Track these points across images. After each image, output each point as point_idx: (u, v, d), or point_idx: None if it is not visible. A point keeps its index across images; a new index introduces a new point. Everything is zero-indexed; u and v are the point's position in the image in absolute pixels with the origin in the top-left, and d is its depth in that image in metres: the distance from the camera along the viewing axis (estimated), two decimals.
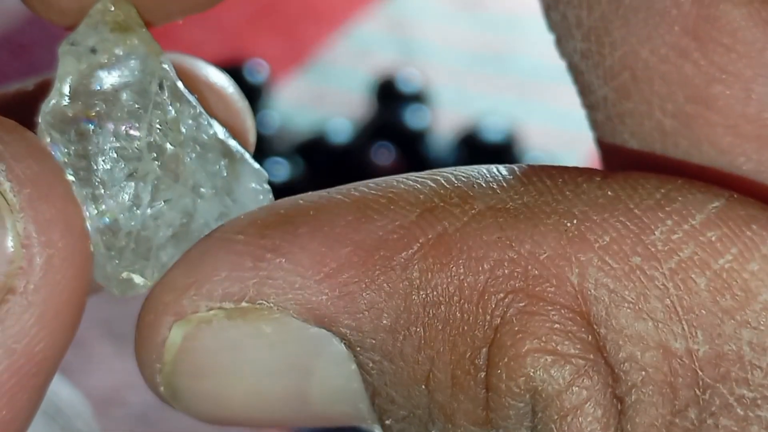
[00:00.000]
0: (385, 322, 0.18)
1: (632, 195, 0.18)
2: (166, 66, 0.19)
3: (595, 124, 0.19)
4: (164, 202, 0.19)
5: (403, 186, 0.18)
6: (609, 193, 0.18)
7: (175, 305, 0.18)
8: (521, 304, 0.17)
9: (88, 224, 0.18)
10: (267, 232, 0.18)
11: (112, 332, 0.66)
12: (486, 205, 0.18)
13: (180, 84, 0.19)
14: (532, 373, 0.17)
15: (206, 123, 0.19)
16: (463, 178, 0.18)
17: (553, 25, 0.19)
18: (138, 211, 0.18)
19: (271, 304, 0.18)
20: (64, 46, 0.19)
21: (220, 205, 0.19)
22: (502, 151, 0.72)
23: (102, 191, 0.18)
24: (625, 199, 0.18)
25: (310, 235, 0.18)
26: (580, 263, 0.17)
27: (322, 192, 0.19)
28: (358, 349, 0.18)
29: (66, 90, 0.18)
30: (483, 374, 0.18)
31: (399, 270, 0.18)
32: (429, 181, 0.18)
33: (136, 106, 0.18)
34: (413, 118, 0.72)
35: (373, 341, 0.18)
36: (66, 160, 0.18)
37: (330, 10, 0.84)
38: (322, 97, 0.77)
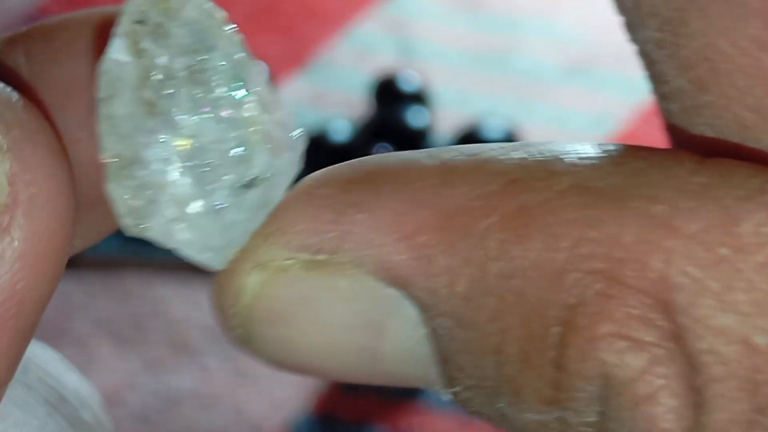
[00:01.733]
0: (459, 288, 0.18)
1: (723, 184, 0.17)
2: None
3: (667, 114, 0.19)
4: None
5: (489, 155, 0.18)
6: (699, 180, 0.17)
7: (255, 252, 0.19)
8: (599, 286, 0.17)
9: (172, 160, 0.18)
10: (350, 187, 0.18)
11: (112, 332, 0.66)
12: (571, 182, 0.18)
13: (234, 46, 0.19)
14: (605, 358, 0.17)
15: (262, 80, 0.19)
16: (550, 153, 0.18)
17: (623, 10, 0.18)
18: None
19: (348, 259, 0.18)
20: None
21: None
22: None
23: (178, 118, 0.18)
24: (715, 187, 0.17)
25: (392, 194, 0.18)
26: (665, 250, 0.17)
27: (409, 153, 0.18)
28: (431, 313, 0.18)
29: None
30: (554, 353, 0.17)
31: (478, 238, 0.18)
32: (516, 153, 0.18)
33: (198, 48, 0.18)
34: (413, 118, 0.72)
35: (446, 306, 0.18)
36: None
37: (330, 10, 0.84)
38: (322, 97, 0.77)
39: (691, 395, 0.17)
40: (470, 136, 0.72)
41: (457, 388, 0.18)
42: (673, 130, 0.19)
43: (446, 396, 0.19)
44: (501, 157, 0.18)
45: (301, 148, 0.19)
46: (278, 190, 0.19)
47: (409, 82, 0.75)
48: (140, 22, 0.18)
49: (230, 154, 0.18)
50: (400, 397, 0.62)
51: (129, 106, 0.18)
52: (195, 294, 0.67)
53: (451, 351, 0.18)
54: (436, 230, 0.18)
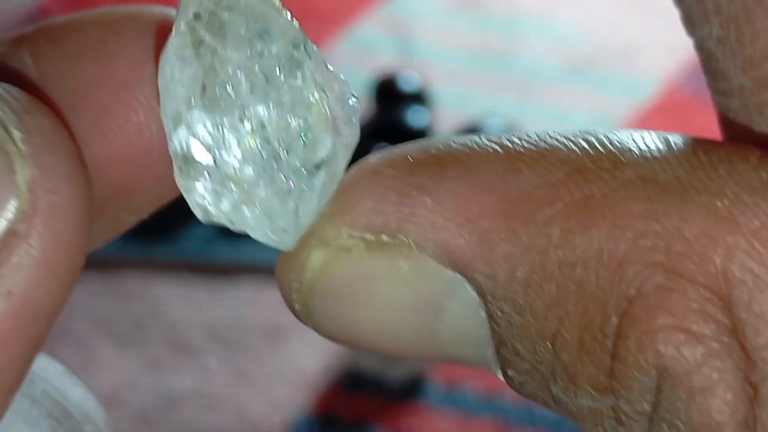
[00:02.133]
0: (519, 274, 0.18)
1: None
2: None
3: (725, 109, 0.19)
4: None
5: (555, 143, 0.18)
6: (764, 176, 0.17)
7: (319, 230, 0.19)
8: (660, 279, 0.17)
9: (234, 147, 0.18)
10: (416, 170, 0.18)
11: (112, 332, 0.66)
12: (636, 173, 0.18)
13: (292, 31, 0.19)
14: (662, 350, 0.17)
15: (323, 61, 0.19)
16: (616, 143, 0.18)
17: (685, 6, 0.19)
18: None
19: (411, 241, 0.18)
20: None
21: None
22: None
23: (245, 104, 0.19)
24: None
25: (457, 178, 0.18)
26: (726, 245, 0.17)
27: (475, 137, 0.19)
28: (490, 297, 0.18)
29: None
30: (611, 342, 0.17)
31: (540, 225, 0.18)
32: (582, 141, 0.18)
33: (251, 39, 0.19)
34: (413, 118, 0.72)
35: (505, 292, 0.18)
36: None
37: (330, 11, 0.84)
38: None
39: (746, 390, 0.17)
40: None
41: (511, 372, 0.19)
42: (730, 125, 0.19)
43: (500, 377, 0.19)
44: (566, 145, 0.18)
45: (357, 117, 0.19)
46: (341, 165, 0.19)
47: (409, 82, 0.75)
48: (196, 15, 0.19)
49: (295, 139, 0.19)
50: (400, 397, 0.62)
51: (192, 100, 0.18)
52: (195, 294, 0.67)
53: (507, 335, 0.18)
54: (499, 216, 0.18)
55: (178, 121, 0.19)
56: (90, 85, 0.20)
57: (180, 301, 0.66)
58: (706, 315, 0.17)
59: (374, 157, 0.19)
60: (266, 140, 0.19)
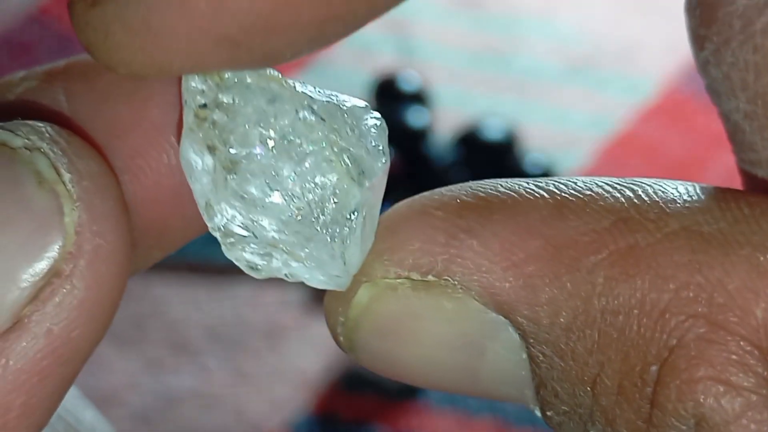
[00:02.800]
0: (562, 319, 0.18)
1: None
2: (266, 73, 0.19)
3: (751, 175, 0.20)
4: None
5: (600, 191, 0.19)
6: None
7: (368, 267, 0.19)
8: (701, 330, 0.18)
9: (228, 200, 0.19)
10: (464, 213, 0.19)
11: (112, 332, 0.66)
12: (681, 224, 0.18)
13: (289, 85, 0.19)
14: (702, 400, 0.17)
15: (335, 111, 0.19)
16: (661, 193, 0.19)
17: (711, 80, 0.19)
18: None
19: (456, 282, 0.19)
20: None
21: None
22: (502, 151, 0.72)
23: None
24: None
25: (503, 222, 0.19)
26: None
27: (521, 181, 0.19)
28: (532, 340, 0.19)
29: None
30: (650, 389, 0.18)
31: (585, 272, 0.18)
32: (627, 190, 0.19)
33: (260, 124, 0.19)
34: (413, 118, 0.72)
35: (548, 336, 0.18)
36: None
37: None
38: None
39: None
40: (470, 136, 0.72)
41: (550, 412, 0.19)
42: (754, 181, 0.20)
43: (539, 416, 0.20)
44: (611, 194, 0.19)
45: (385, 141, 0.20)
46: (376, 200, 0.20)
47: (409, 82, 0.75)
48: (203, 106, 0.19)
49: (325, 200, 0.19)
50: (400, 397, 0.62)
51: (217, 190, 0.19)
52: (195, 294, 0.67)
53: (548, 377, 0.19)
54: (544, 261, 0.18)
55: (210, 210, 0.19)
56: (124, 127, 0.20)
57: (180, 301, 0.66)
58: (746, 367, 0.17)
59: (423, 197, 0.20)
60: (297, 208, 0.19)
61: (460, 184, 0.19)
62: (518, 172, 0.71)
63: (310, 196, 0.19)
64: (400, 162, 0.71)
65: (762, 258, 0.18)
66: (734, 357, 0.17)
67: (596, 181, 0.19)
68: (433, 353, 0.19)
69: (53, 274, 0.18)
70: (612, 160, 0.74)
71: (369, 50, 0.81)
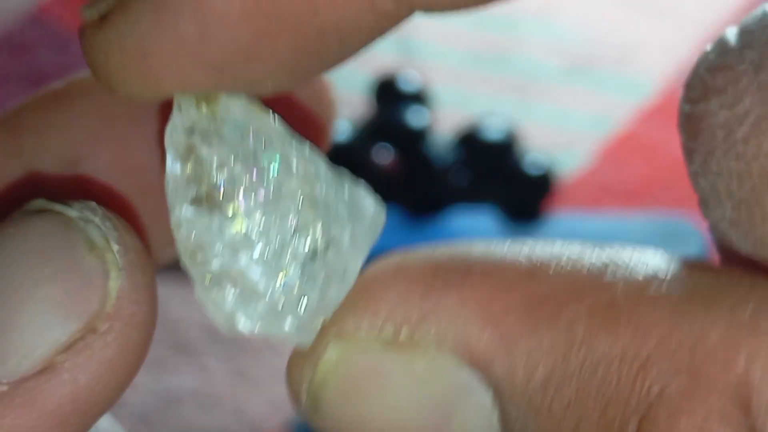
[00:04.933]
0: (539, 374, 0.18)
1: None
2: (262, 118, 0.20)
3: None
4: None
5: (578, 252, 0.19)
6: None
7: (339, 322, 0.19)
8: (683, 382, 0.18)
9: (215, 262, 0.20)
10: (440, 269, 0.19)
11: None
12: (660, 283, 0.18)
13: (278, 128, 0.20)
14: None
15: (312, 157, 0.20)
16: (640, 255, 0.19)
17: (699, 190, 0.20)
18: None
19: (430, 339, 0.19)
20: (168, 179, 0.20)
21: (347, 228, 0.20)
22: (502, 151, 0.72)
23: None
24: None
25: (481, 279, 0.19)
26: (748, 352, 0.17)
27: (500, 243, 0.19)
28: (507, 396, 0.18)
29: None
30: None
31: (563, 326, 0.18)
32: (605, 254, 0.19)
33: (252, 178, 0.20)
34: (413, 118, 0.72)
35: (524, 390, 0.18)
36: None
37: None
38: None
39: None
40: (470, 136, 0.72)
41: None
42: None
43: None
44: (588, 255, 0.19)
45: (379, 222, 0.21)
46: (353, 259, 0.20)
47: (409, 82, 0.75)
48: (189, 129, 0.20)
49: (288, 232, 0.19)
50: None
51: (191, 211, 0.20)
52: (195, 294, 0.67)
53: None
54: (522, 314, 0.18)
55: (182, 234, 0.20)
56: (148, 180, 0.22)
57: (180, 301, 0.66)
58: (727, 418, 0.17)
59: (398, 255, 0.20)
60: (263, 237, 0.19)
61: (435, 246, 0.20)
62: (518, 172, 0.71)
63: (280, 227, 0.19)
64: (400, 162, 0.71)
65: (742, 312, 0.18)
66: (716, 408, 0.17)
67: (572, 245, 0.19)
68: (400, 415, 0.19)
69: (89, 329, 0.19)
70: (612, 160, 0.74)
71: (369, 50, 0.81)
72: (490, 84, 0.79)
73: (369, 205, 0.20)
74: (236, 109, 0.20)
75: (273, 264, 0.19)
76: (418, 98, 0.74)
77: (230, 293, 0.20)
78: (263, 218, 0.19)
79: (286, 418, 0.62)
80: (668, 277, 0.18)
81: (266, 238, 0.19)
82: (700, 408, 0.17)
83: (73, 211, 0.20)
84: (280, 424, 0.62)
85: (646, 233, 0.70)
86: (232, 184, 0.19)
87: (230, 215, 0.19)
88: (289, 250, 0.19)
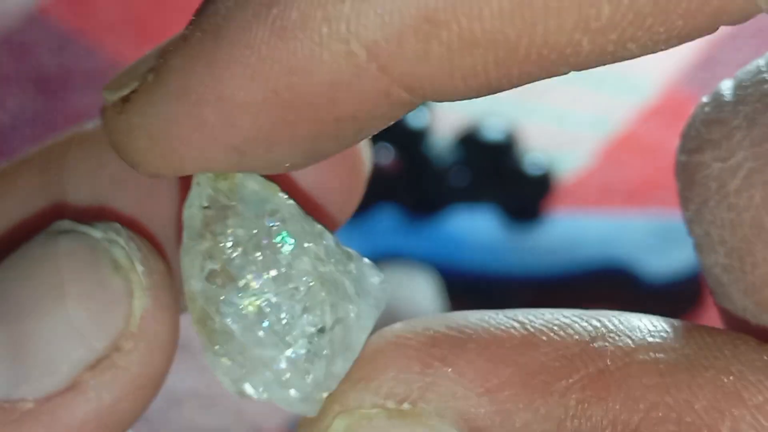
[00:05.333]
0: None
1: None
2: (276, 200, 0.21)
3: (730, 316, 0.21)
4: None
5: (569, 320, 0.20)
6: (765, 357, 0.19)
7: (343, 397, 0.20)
8: None
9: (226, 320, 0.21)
10: (437, 342, 0.20)
11: None
12: (648, 351, 0.19)
13: (292, 206, 0.21)
14: None
15: (322, 236, 0.21)
16: (627, 323, 0.20)
17: (695, 236, 0.21)
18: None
19: (431, 409, 0.20)
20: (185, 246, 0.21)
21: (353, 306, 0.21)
22: (502, 151, 0.72)
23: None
24: None
25: (477, 351, 0.20)
26: (732, 417, 0.19)
27: (490, 312, 0.20)
28: None
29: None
30: None
31: (557, 396, 0.19)
32: (594, 320, 0.20)
33: (259, 256, 0.20)
34: (413, 118, 0.72)
35: None
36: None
37: None
38: None
39: None
40: (470, 136, 0.72)
41: None
42: (731, 320, 0.21)
43: None
44: (579, 323, 0.20)
45: (383, 297, 0.21)
46: (358, 334, 0.21)
47: None
48: (206, 206, 0.21)
49: (298, 309, 0.20)
50: None
51: (204, 285, 0.21)
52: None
53: None
54: (517, 387, 0.19)
55: (194, 304, 0.21)
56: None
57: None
58: None
59: (396, 328, 0.20)
60: (272, 311, 0.20)
61: (431, 316, 0.20)
62: (518, 172, 0.71)
63: (289, 303, 0.20)
64: (400, 162, 0.71)
65: (725, 380, 0.19)
66: None
67: (563, 313, 0.20)
68: None
69: (115, 348, 0.20)
70: (612, 160, 0.74)
71: None
72: None
73: (375, 281, 0.21)
74: (252, 187, 0.21)
75: (281, 338, 0.20)
76: None
77: (238, 362, 0.20)
78: (274, 296, 0.20)
79: (286, 418, 0.62)
80: (656, 342, 0.19)
81: (276, 314, 0.20)
82: None
83: (97, 232, 0.21)
84: (280, 424, 0.62)
85: (646, 233, 0.70)
86: (246, 260, 0.20)
87: (242, 291, 0.20)
88: (298, 327, 0.20)
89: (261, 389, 0.20)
